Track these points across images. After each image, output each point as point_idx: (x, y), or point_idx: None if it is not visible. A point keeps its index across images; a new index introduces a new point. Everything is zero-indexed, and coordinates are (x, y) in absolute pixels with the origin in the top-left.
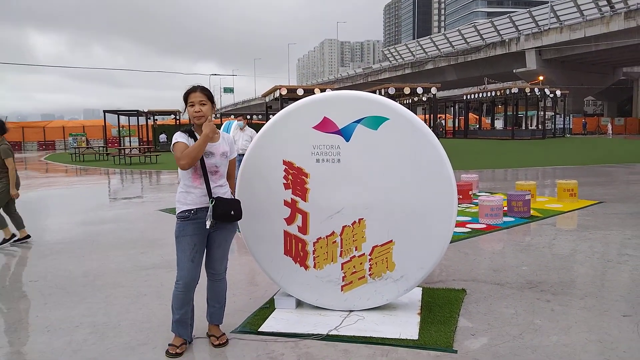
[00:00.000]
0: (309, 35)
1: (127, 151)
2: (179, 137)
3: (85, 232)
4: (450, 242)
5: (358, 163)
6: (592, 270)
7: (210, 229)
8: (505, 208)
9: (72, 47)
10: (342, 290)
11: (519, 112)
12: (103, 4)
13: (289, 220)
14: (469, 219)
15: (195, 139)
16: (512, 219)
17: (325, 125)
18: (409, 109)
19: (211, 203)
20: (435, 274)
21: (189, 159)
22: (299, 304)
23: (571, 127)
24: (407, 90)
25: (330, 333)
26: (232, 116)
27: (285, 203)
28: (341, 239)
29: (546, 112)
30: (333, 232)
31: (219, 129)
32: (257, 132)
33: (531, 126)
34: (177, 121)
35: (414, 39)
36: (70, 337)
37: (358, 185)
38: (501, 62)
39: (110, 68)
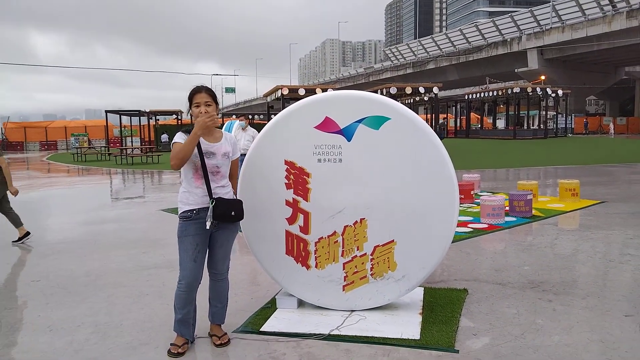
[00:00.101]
0: (310, 35)
1: (129, 151)
2: (178, 137)
3: (87, 232)
4: (452, 242)
5: (360, 163)
6: (594, 270)
7: (212, 229)
8: (507, 208)
9: (73, 47)
10: (343, 290)
11: (521, 112)
12: (104, 4)
13: (291, 220)
14: (471, 218)
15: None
16: (514, 219)
17: (326, 125)
18: (410, 108)
19: (211, 203)
20: (436, 274)
21: (176, 160)
22: (301, 303)
23: (573, 126)
24: (408, 90)
25: (331, 333)
26: (234, 116)
27: (287, 203)
28: (343, 239)
29: (548, 112)
30: (335, 232)
31: (221, 129)
32: (258, 132)
33: (533, 126)
34: (179, 121)
35: (415, 38)
36: (72, 337)
37: (360, 185)
38: (503, 61)
39: (112, 68)
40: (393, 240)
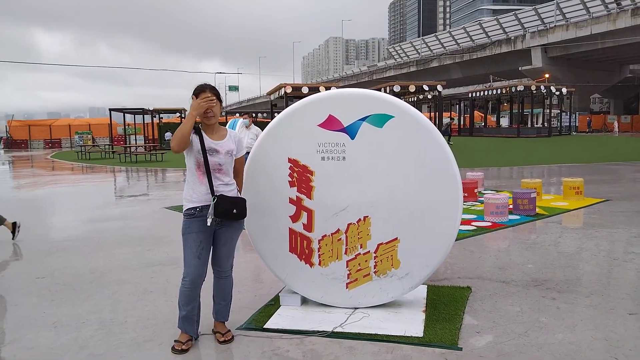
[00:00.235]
0: (313, 33)
1: (132, 149)
2: None
3: (91, 229)
4: (456, 240)
5: (363, 161)
6: (598, 268)
7: (216, 226)
8: (511, 206)
9: (77, 45)
10: (347, 287)
11: (525, 110)
12: (107, 2)
13: (294, 218)
14: (475, 216)
15: (201, 136)
16: (518, 217)
17: (330, 123)
18: (414, 106)
19: (213, 201)
20: (440, 272)
21: (174, 141)
22: (304, 301)
23: (577, 124)
24: (412, 88)
25: (335, 330)
26: (238, 114)
27: (291, 201)
28: (346, 237)
29: (552, 110)
30: (338, 230)
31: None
32: (262, 130)
33: (537, 124)
34: (183, 119)
35: (419, 36)
36: (77, 334)
37: (363, 183)
38: (507, 59)
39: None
40: (396, 238)
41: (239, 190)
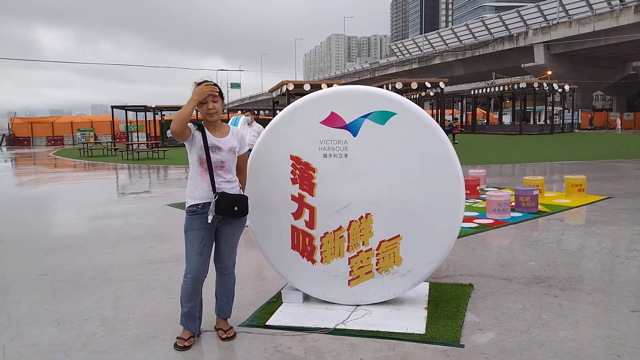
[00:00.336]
0: (315, 30)
1: (134, 146)
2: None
3: (93, 226)
4: (458, 237)
5: (365, 158)
6: (600, 265)
7: (217, 223)
8: (513, 203)
9: (78, 42)
10: (349, 284)
11: (527, 107)
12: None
13: (297, 215)
14: (477, 214)
15: (204, 132)
16: (520, 214)
17: (332, 120)
18: (416, 104)
19: (214, 198)
20: (442, 269)
21: (174, 123)
22: (306, 298)
23: (580, 122)
24: (414, 85)
25: (337, 327)
26: (240, 111)
27: (293, 198)
28: (348, 234)
29: (554, 107)
30: (340, 227)
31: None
32: (264, 128)
33: (539, 121)
34: None
35: (421, 33)
36: (79, 330)
37: (365, 180)
38: (509, 56)
39: (118, 64)
40: (399, 235)
41: (242, 188)
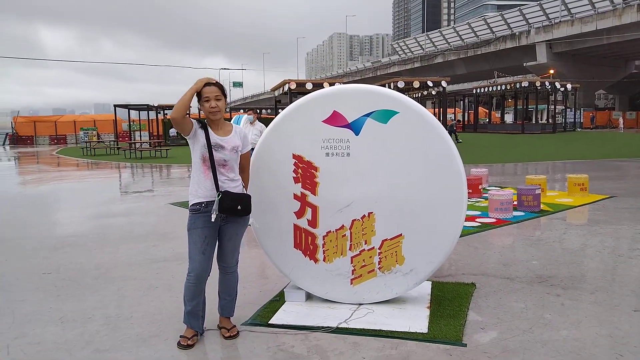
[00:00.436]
0: (317, 29)
1: (137, 145)
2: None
3: (96, 225)
4: (460, 236)
5: (368, 157)
6: (602, 264)
7: (221, 222)
8: (515, 202)
9: (80, 41)
10: (351, 283)
11: (529, 106)
12: None
13: (299, 214)
14: (479, 213)
15: (207, 130)
16: (522, 214)
17: (334, 119)
18: (418, 102)
19: (218, 196)
20: (444, 268)
21: (174, 110)
22: (309, 296)
23: (582, 121)
24: (416, 84)
25: (339, 326)
26: (242, 110)
27: (295, 197)
28: (351, 233)
29: (557, 106)
30: (343, 226)
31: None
32: (266, 127)
33: (541, 120)
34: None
35: (423, 32)
36: (83, 329)
37: (368, 179)
38: (511, 55)
39: (120, 62)
40: (401, 234)
41: (245, 187)
